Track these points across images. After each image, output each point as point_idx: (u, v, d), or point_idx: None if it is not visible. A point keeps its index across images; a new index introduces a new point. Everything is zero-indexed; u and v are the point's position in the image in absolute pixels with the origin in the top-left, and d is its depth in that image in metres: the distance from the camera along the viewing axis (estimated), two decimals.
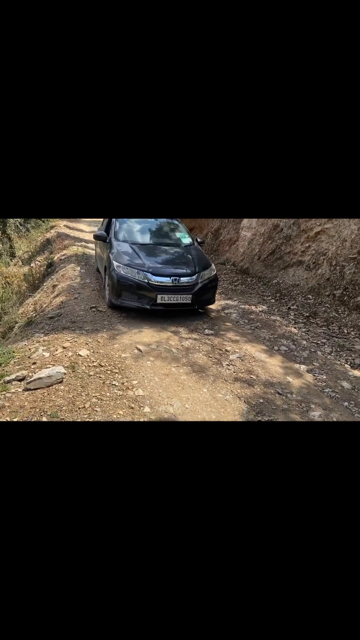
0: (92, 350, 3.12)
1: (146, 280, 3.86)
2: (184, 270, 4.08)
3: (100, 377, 2.74)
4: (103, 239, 4.64)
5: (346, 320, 4.28)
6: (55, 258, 7.59)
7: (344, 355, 3.58)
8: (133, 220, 4.81)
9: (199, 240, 5.11)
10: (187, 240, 4.97)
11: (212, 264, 4.52)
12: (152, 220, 4.98)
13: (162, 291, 3.88)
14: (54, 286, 5.59)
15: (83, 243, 8.94)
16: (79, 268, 6.24)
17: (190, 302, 4.01)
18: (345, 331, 4.09)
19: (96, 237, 4.78)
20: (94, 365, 2.88)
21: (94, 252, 8.01)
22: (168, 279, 3.92)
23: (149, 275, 3.89)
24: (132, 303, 3.92)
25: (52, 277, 6.41)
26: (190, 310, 4.19)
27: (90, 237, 9.99)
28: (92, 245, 8.88)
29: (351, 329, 4.09)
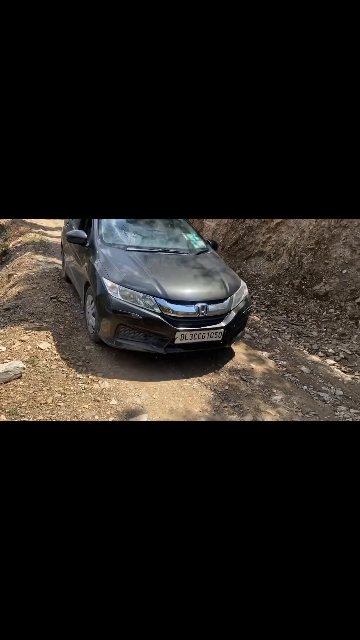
0: (53, 343, 2.99)
1: (159, 311, 2.55)
2: (212, 292, 2.75)
3: (63, 370, 2.63)
4: (81, 242, 3.13)
5: (304, 308, 4.51)
6: (10, 246, 7.11)
7: (302, 341, 3.77)
8: None
9: (211, 242, 3.69)
10: (199, 244, 3.56)
11: (241, 279, 3.17)
12: None
13: (183, 326, 2.59)
14: (10, 275, 5.24)
15: (41, 230, 8.44)
16: (37, 256, 5.90)
17: (220, 339, 2.74)
18: (303, 319, 4.31)
19: (70, 237, 3.13)
20: (56, 359, 2.76)
21: (53, 239, 7.61)
22: (191, 307, 2.61)
23: (163, 302, 2.56)
24: (136, 344, 2.64)
25: (7, 265, 6.00)
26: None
27: (48, 223, 9.46)
28: (52, 233, 8.42)
29: (308, 317, 4.32)
